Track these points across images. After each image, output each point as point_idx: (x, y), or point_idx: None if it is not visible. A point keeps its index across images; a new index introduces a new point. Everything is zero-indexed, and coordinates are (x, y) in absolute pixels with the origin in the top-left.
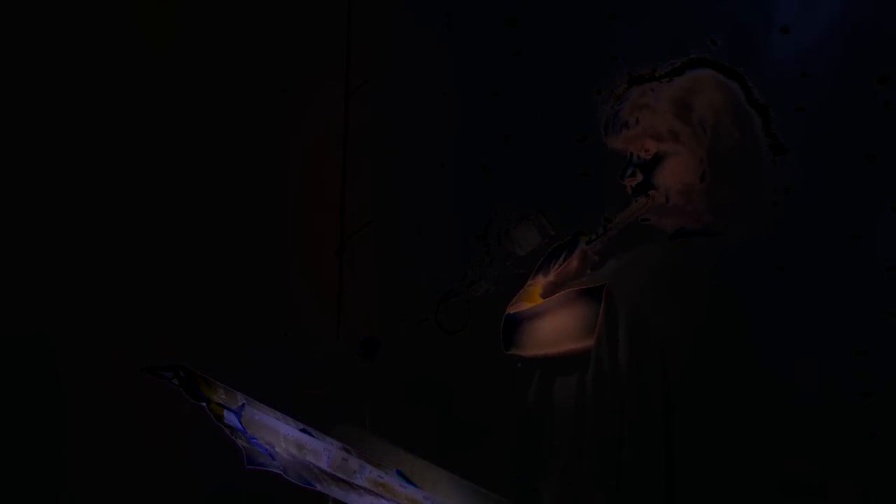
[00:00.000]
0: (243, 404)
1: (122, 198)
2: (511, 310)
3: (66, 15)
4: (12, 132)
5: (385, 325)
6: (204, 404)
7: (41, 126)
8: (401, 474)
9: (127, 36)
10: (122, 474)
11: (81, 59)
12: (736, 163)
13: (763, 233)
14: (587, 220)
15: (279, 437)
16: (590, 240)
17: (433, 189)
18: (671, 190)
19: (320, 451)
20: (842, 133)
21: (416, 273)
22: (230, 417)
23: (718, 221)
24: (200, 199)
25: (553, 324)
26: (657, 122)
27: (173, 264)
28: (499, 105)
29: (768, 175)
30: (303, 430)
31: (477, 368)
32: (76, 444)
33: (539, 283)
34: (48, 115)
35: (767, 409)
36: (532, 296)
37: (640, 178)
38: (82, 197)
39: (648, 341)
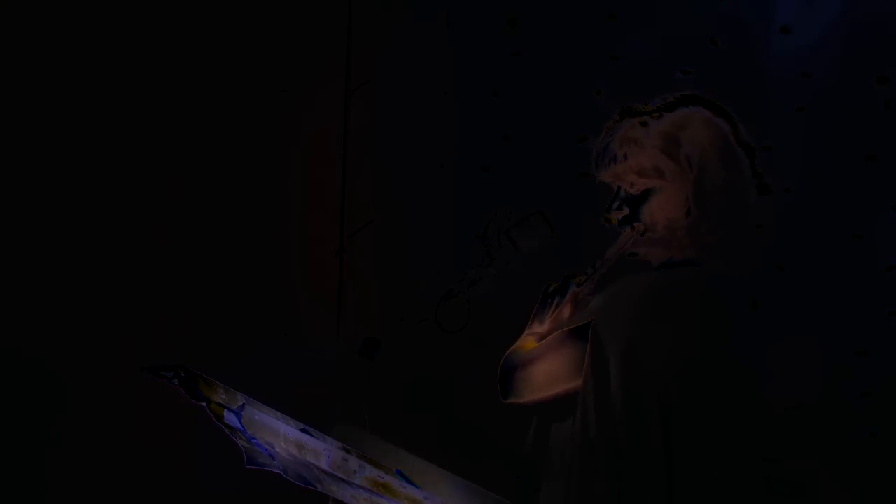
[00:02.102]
0: (243, 404)
1: (122, 197)
2: (507, 355)
3: (68, 14)
4: (15, 132)
5: (385, 325)
6: (204, 404)
7: (42, 125)
8: (401, 474)
9: (127, 35)
10: (121, 474)
11: (82, 60)
12: (721, 201)
13: (743, 267)
14: (587, 220)
15: (279, 437)
16: (580, 282)
17: (433, 189)
18: (657, 225)
19: (320, 451)
20: (842, 133)
21: (416, 273)
22: (230, 417)
23: (701, 256)
24: (200, 198)
25: (545, 367)
26: (644, 158)
27: (173, 264)
28: (499, 105)
29: (752, 214)
30: (303, 430)
31: (477, 368)
32: (75, 443)
33: (534, 332)
34: (49, 114)
35: (764, 445)
36: (527, 345)
37: (626, 211)
38: (84, 196)
39: (640, 373)
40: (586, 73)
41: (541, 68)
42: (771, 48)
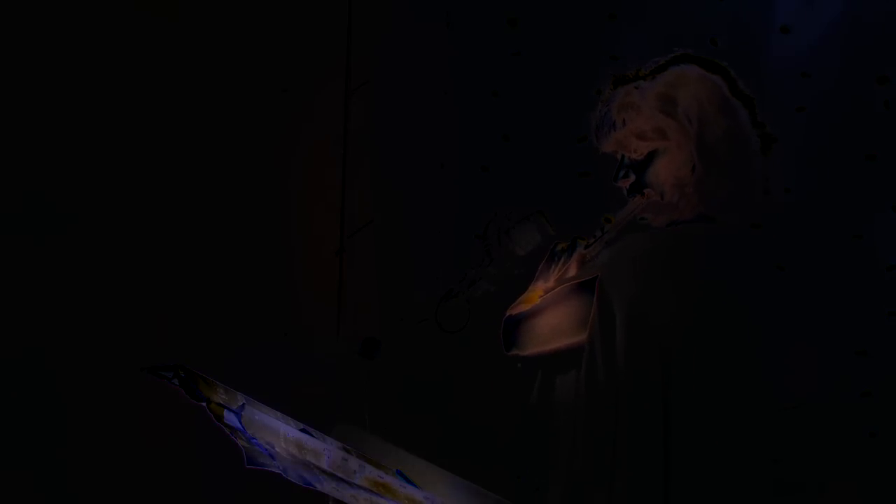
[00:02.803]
0: (243, 404)
1: (122, 197)
2: (510, 312)
3: (67, 13)
4: (14, 129)
5: (385, 325)
6: (204, 404)
7: (42, 124)
8: (401, 474)
9: (126, 35)
10: (122, 474)
11: (82, 59)
12: (724, 152)
13: (756, 221)
14: (587, 220)
15: (279, 437)
16: (588, 244)
17: (433, 189)
18: (665, 185)
19: (320, 451)
20: (842, 133)
21: (417, 273)
22: (230, 417)
23: (711, 211)
24: (201, 198)
25: (549, 320)
26: (644, 121)
27: (174, 264)
28: (499, 105)
29: (758, 165)
30: (303, 430)
31: (477, 369)
32: (76, 443)
33: (539, 287)
34: (49, 114)
35: (766, 401)
36: (532, 300)
37: (633, 178)
38: (86, 196)
39: (645, 329)
40: (586, 73)
41: (541, 68)
42: (771, 48)
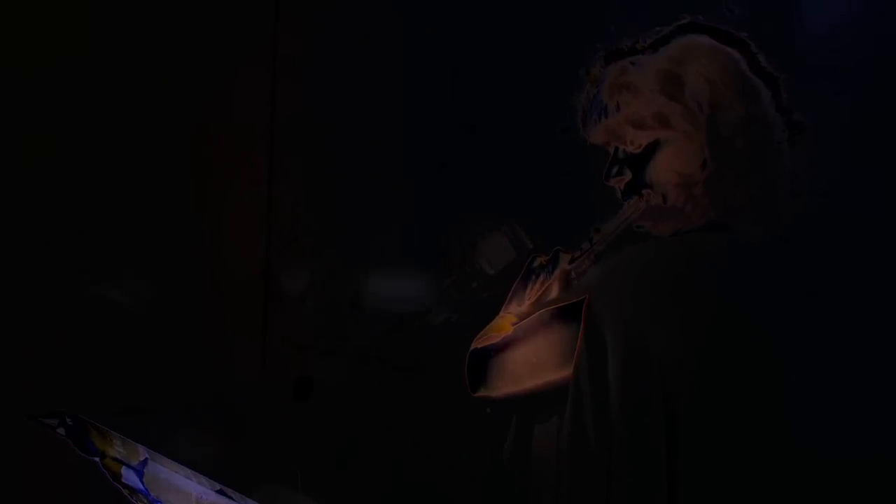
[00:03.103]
0: (146, 459)
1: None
2: (477, 344)
3: None
4: None
5: (320, 361)
6: (97, 459)
7: None
8: None
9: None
10: None
11: None
12: (742, 144)
13: (782, 231)
14: (572, 228)
15: (191, 499)
16: (573, 258)
17: (380, 193)
18: (668, 186)
19: None
20: (892, 121)
21: (359, 297)
22: (129, 476)
23: (726, 218)
24: (97, 205)
25: (525, 353)
26: (642, 106)
27: (64, 285)
28: (461, 87)
29: (785, 160)
30: (220, 492)
31: (436, 414)
32: None
33: (512, 313)
34: None
35: (792, 454)
36: (503, 328)
37: (628, 176)
38: None
39: (645, 364)
40: (571, 47)
41: (513, 40)
42: (802, 14)
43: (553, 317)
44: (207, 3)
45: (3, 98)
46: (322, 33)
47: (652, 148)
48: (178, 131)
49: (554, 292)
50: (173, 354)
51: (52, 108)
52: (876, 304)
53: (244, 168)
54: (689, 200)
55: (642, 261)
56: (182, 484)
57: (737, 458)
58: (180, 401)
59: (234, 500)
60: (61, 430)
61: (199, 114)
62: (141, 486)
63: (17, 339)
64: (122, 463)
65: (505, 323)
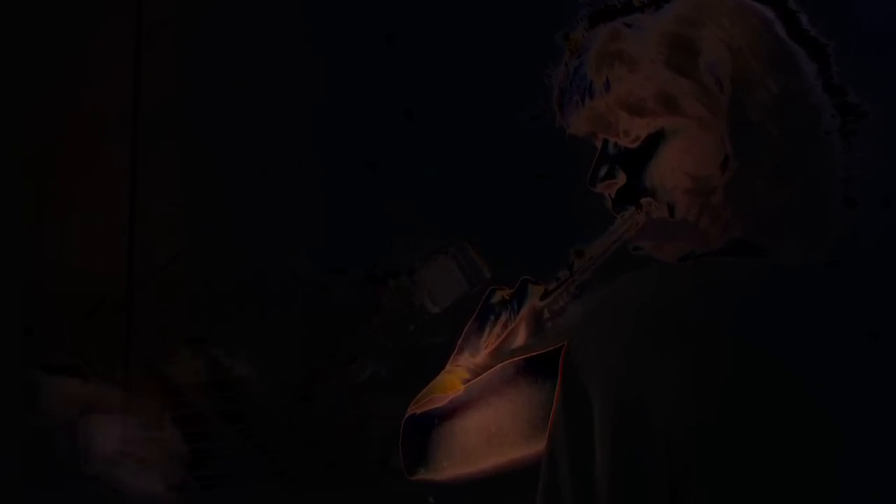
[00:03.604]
0: None
1: None
2: (416, 409)
3: None
4: None
5: (203, 428)
6: None
7: None
8: None
9: None
10: None
11: None
12: (777, 133)
13: (831, 252)
14: (546, 253)
15: None
16: (547, 291)
17: (285, 201)
18: (676, 192)
19: None
20: None
21: (256, 348)
22: None
23: (756, 235)
24: None
25: (482, 421)
26: (641, 83)
27: None
28: (396, 58)
29: (835, 157)
30: None
31: None
32: None
33: (463, 366)
34: None
35: None
36: (451, 386)
37: (622, 179)
38: None
39: (644, 432)
40: (545, 6)
41: None
42: None
43: (519, 371)
44: None
45: None
46: None
47: (654, 141)
48: (6, 116)
49: (520, 338)
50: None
51: None
52: None
53: (98, 165)
54: (704, 212)
55: (641, 295)
56: None
57: None
58: None
59: None
60: None
61: (38, 92)
62: None
63: None
64: None
65: (453, 380)
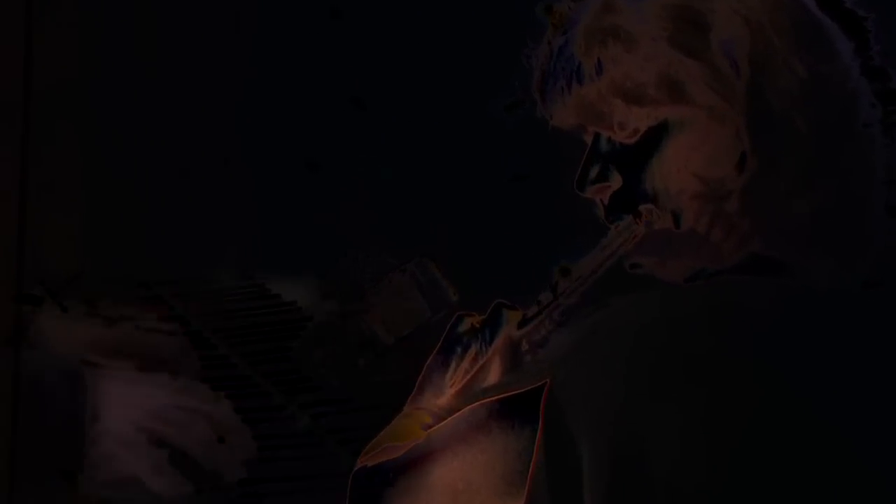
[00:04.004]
0: None
1: None
2: (368, 461)
3: None
4: None
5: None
6: None
7: None
8: None
9: None
10: None
11: None
12: (806, 126)
13: (871, 270)
14: (524, 271)
15: None
16: (525, 318)
17: (206, 207)
18: (681, 197)
19: None
20: None
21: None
22: None
23: (780, 250)
24: None
25: (448, 475)
26: (640, 65)
27: None
28: (343, 37)
29: (876, 154)
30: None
31: None
32: None
33: (424, 409)
34: None
35: None
36: (410, 433)
37: (617, 182)
38: None
39: (644, 489)
40: None
41: None
42: None
43: (493, 415)
44: None
45: None
46: None
47: (656, 135)
48: None
49: (493, 374)
50: None
51: None
52: None
53: None
54: (717, 222)
55: (640, 323)
56: None
57: None
58: None
59: None
60: None
61: None
62: None
63: None
64: None
65: (412, 425)
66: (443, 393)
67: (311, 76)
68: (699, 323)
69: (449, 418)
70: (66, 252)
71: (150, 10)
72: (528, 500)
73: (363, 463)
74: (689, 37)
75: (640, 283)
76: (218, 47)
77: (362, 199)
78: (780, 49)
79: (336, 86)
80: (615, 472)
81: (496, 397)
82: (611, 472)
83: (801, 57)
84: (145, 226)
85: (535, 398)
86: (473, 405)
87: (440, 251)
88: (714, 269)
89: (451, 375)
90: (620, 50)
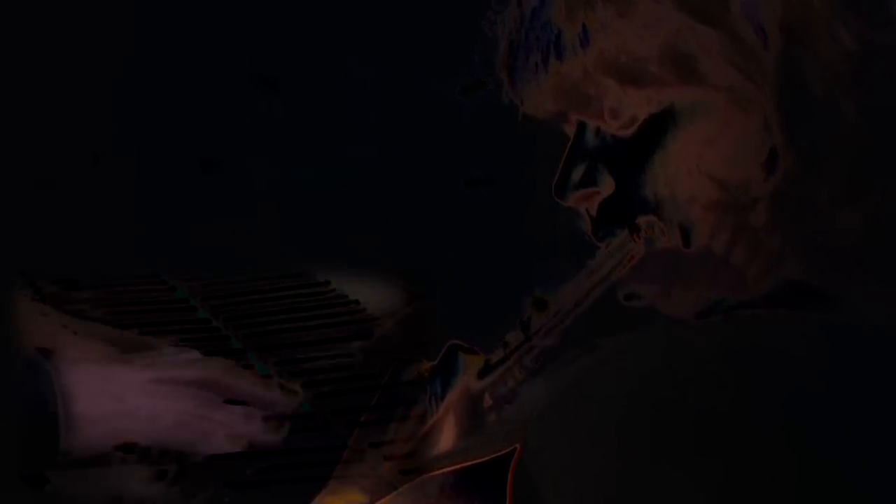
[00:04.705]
0: None
1: None
2: None
3: None
4: None
5: None
6: None
7: None
8: None
9: None
10: None
11: None
12: (855, 115)
13: None
14: (486, 304)
15: None
16: (487, 366)
17: (72, 213)
18: (693, 207)
19: None
20: None
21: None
22: None
23: (817, 276)
24: None
25: None
26: (638, 35)
27: None
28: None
29: None
30: None
31: None
32: None
33: (357, 482)
34: None
35: None
36: None
37: (607, 187)
38: None
39: None
40: None
41: None
42: None
43: (445, 491)
44: None
45: None
46: None
47: (659, 126)
48: None
49: (447, 437)
50: None
51: None
52: None
53: None
54: (739, 239)
55: (638, 374)
56: None
57: None
58: None
59: None
60: None
61: None
62: None
63: None
64: None
65: None
66: (380, 462)
67: (203, 51)
68: (716, 373)
69: (389, 496)
70: None
71: None
72: None
73: None
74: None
75: (639, 320)
76: (89, 19)
77: (270, 204)
78: (820, 12)
79: (235, 63)
80: None
81: (450, 468)
82: None
83: (848, 22)
84: None
85: (500, 469)
86: (421, 478)
87: (371, 272)
88: (735, 302)
89: (392, 439)
90: (612, 14)
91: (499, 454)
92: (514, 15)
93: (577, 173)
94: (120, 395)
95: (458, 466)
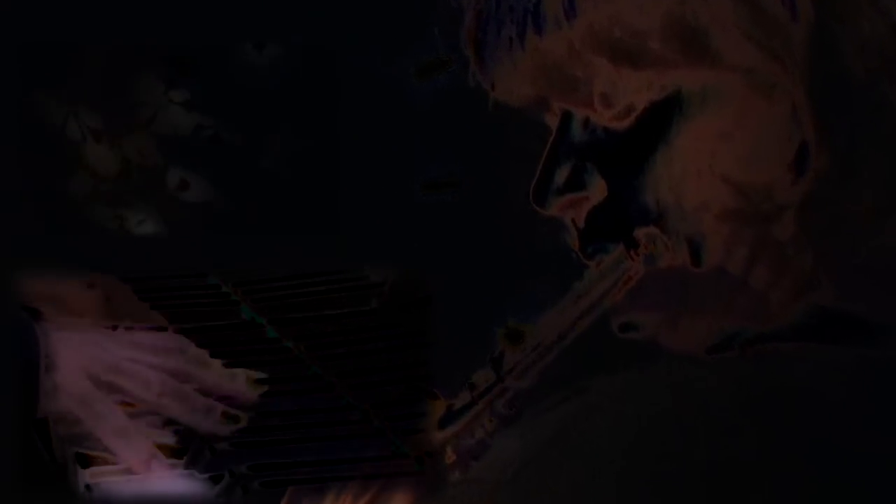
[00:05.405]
0: None
1: None
2: None
3: None
4: None
5: None
6: None
7: None
8: None
9: None
10: None
11: None
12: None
13: None
14: (450, 333)
15: None
16: (450, 413)
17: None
18: (704, 217)
19: None
20: None
21: None
22: None
23: (856, 303)
24: None
25: None
26: (635, 5)
27: None
28: None
29: None
30: None
31: None
32: None
33: None
34: None
35: None
36: None
37: (598, 192)
38: None
39: None
40: None
41: None
42: None
43: None
44: None
45: None
46: None
47: (662, 116)
48: None
49: (400, 502)
50: None
51: None
52: None
53: None
54: (761, 256)
55: (637, 420)
56: None
57: None
58: None
59: None
60: None
61: None
62: None
63: None
64: None
65: None
66: None
67: (117, 30)
68: (731, 421)
69: None
70: None
71: None
72: None
73: None
74: None
75: (637, 356)
76: None
77: (193, 208)
78: None
79: (149, 42)
80: None
81: None
82: None
83: None
84: None
85: None
86: None
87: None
88: (755, 334)
89: (334, 502)
90: None
91: None
92: None
93: (561, 175)
94: (96, 358)
95: None
